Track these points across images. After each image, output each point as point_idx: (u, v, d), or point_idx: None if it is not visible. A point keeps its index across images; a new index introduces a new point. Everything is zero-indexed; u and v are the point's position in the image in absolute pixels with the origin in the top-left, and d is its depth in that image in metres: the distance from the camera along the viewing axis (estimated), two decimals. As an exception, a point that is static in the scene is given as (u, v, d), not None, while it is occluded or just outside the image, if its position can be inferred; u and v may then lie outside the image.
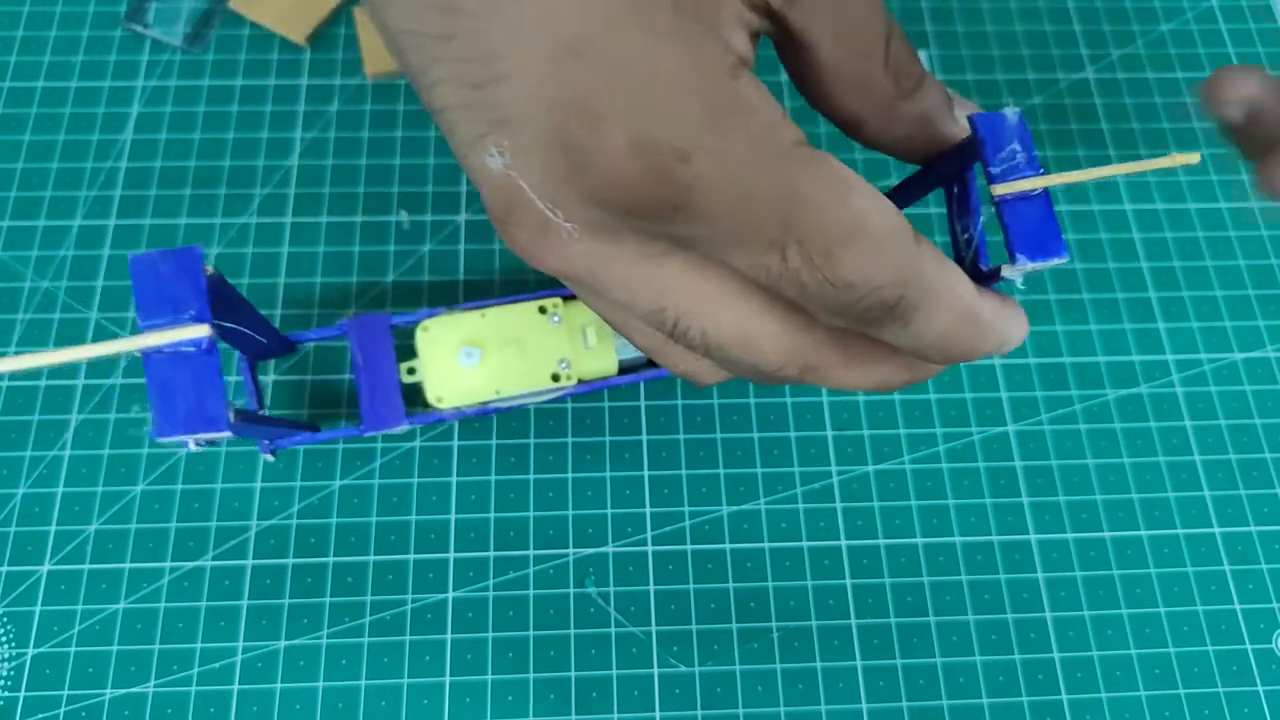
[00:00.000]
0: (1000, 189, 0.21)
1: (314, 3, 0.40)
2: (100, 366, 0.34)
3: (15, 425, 0.33)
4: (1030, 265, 0.21)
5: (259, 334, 0.28)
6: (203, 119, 0.38)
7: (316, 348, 0.34)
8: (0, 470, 0.32)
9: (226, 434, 0.20)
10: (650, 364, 0.33)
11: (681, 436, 0.34)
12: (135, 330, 0.34)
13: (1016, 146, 0.22)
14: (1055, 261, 0.21)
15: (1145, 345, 0.36)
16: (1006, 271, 0.22)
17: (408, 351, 0.32)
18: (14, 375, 0.33)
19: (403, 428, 0.31)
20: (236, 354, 0.29)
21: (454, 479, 0.33)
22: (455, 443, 0.33)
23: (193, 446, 0.23)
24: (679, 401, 0.34)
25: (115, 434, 0.33)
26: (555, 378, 0.31)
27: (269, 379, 0.34)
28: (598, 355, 0.32)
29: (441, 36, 0.18)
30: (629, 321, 0.23)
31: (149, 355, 0.20)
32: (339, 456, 0.33)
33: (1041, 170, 0.22)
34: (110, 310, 0.34)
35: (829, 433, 0.34)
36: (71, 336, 0.34)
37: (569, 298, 0.32)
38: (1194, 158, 0.21)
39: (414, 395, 0.32)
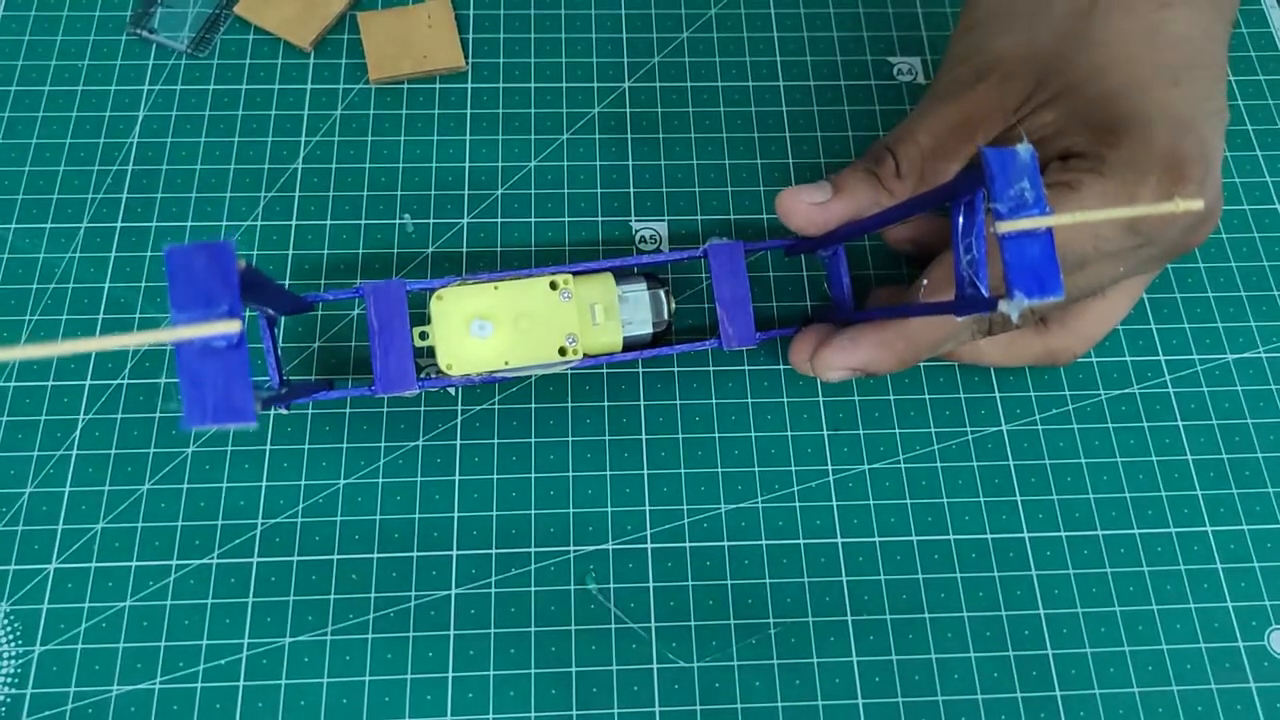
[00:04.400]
0: (1006, 226, 0.21)
1: (318, 8, 0.40)
2: (106, 368, 0.34)
3: (23, 425, 0.33)
4: (1027, 303, 0.21)
5: (283, 305, 0.29)
6: (208, 123, 0.38)
7: (324, 319, 0.35)
8: (8, 469, 0.33)
9: (252, 424, 0.21)
10: (652, 344, 0.33)
11: (680, 436, 0.34)
12: (139, 324, 0.34)
13: (1026, 184, 0.21)
14: (1051, 300, 0.21)
15: (1137, 346, 0.36)
16: (1003, 305, 0.22)
17: (420, 318, 0.33)
18: (21, 375, 0.34)
19: (412, 391, 0.31)
20: (260, 318, 0.30)
21: (456, 477, 0.33)
22: (458, 442, 0.34)
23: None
24: (678, 401, 0.35)
25: (121, 434, 0.33)
26: (562, 351, 0.31)
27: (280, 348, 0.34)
28: (604, 332, 0.32)
29: None
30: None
31: (181, 347, 0.20)
32: (343, 455, 0.33)
33: (1049, 210, 0.21)
34: (116, 312, 0.35)
35: (825, 432, 0.34)
36: (78, 337, 0.34)
37: (580, 274, 0.33)
38: (1197, 204, 0.21)
39: (424, 356, 0.33)
